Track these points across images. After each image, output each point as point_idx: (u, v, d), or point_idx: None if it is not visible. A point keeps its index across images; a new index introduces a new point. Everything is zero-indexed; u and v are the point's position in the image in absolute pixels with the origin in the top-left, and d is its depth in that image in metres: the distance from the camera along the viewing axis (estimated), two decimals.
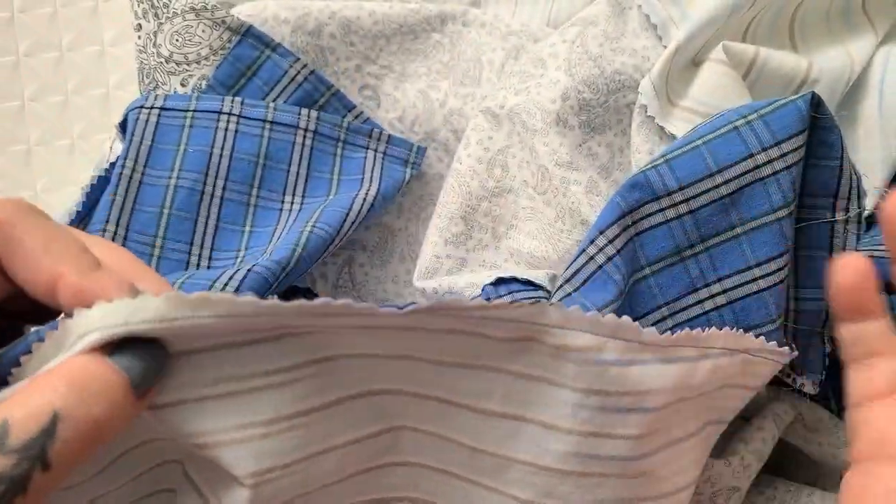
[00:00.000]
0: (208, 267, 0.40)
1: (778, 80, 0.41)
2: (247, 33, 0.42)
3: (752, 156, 0.29)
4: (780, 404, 0.34)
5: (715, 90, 0.40)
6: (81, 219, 0.39)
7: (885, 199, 0.26)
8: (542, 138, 0.40)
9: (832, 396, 0.36)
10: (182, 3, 0.41)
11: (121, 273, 0.22)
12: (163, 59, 0.42)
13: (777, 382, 0.34)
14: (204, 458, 0.22)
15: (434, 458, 0.27)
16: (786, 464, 0.38)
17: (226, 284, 0.35)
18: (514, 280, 0.36)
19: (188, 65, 0.42)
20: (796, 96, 0.30)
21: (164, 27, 0.41)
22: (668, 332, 0.25)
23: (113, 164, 0.40)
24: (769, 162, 0.29)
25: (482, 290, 0.37)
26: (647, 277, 0.32)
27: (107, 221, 0.39)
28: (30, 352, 0.20)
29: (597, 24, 0.41)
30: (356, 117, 0.44)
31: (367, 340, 0.23)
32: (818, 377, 0.33)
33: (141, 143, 0.40)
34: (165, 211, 0.40)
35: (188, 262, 0.40)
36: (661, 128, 0.40)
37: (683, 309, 0.32)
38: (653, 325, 0.32)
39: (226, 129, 0.41)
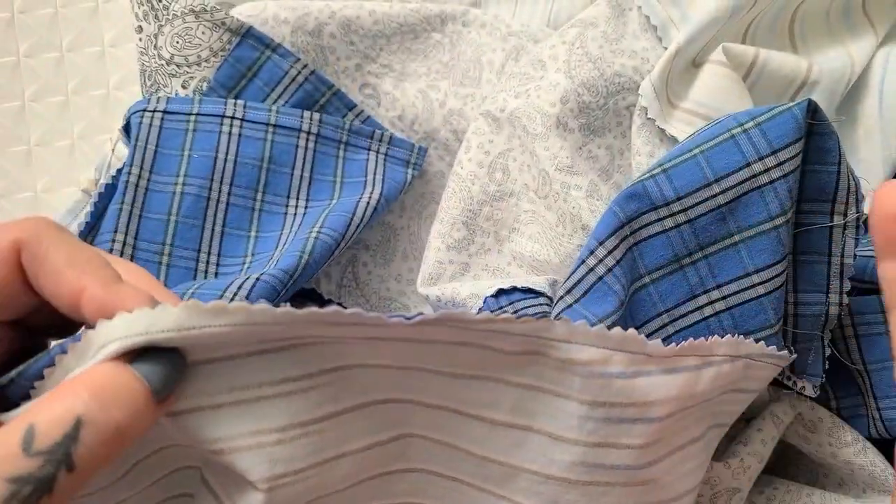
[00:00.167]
0: (216, 274, 0.40)
1: (778, 82, 0.41)
2: (247, 34, 0.42)
3: (748, 165, 0.29)
4: (779, 405, 0.34)
5: (715, 92, 0.40)
6: (90, 229, 0.40)
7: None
8: (543, 142, 0.40)
9: (832, 397, 0.36)
10: (182, 4, 0.41)
11: (140, 285, 0.23)
12: (164, 62, 0.42)
13: (776, 384, 0.35)
14: (220, 464, 0.23)
15: (443, 465, 0.27)
16: (785, 464, 0.38)
17: (235, 294, 0.35)
18: (514, 290, 0.36)
19: (189, 67, 0.42)
20: (793, 104, 0.30)
21: (165, 29, 0.41)
22: (672, 342, 0.25)
23: (119, 171, 0.40)
24: (766, 171, 0.29)
25: (483, 301, 0.37)
26: (646, 286, 0.32)
27: (115, 231, 0.39)
28: (53, 364, 0.21)
29: (597, 25, 0.41)
30: (357, 116, 0.44)
31: (378, 351, 0.24)
32: (818, 380, 0.33)
33: (145, 148, 0.40)
34: (172, 218, 0.40)
35: (196, 270, 0.40)
36: (662, 130, 0.40)
37: (683, 316, 0.32)
38: (653, 332, 0.32)
39: (229, 133, 0.41)
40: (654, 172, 0.31)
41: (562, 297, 0.31)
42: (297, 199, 0.42)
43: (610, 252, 0.31)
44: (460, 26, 0.46)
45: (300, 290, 0.42)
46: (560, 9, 0.46)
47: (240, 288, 0.35)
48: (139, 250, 0.39)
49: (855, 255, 0.32)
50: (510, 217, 0.42)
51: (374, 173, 0.42)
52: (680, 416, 0.27)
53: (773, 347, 0.29)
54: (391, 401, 0.25)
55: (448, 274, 0.41)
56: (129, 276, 0.24)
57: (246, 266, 0.40)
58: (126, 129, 0.41)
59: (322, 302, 0.45)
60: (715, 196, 0.29)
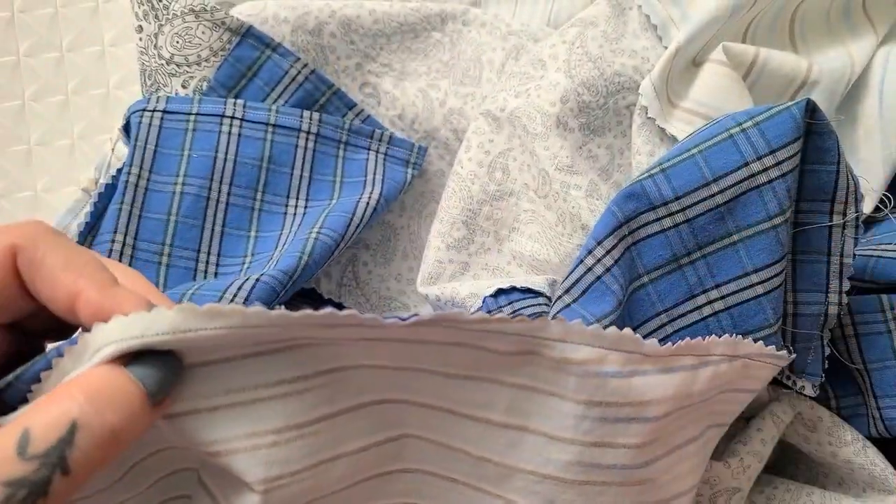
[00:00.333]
0: (216, 274, 0.40)
1: (778, 81, 0.41)
2: (246, 34, 0.42)
3: (747, 164, 0.29)
4: (778, 405, 0.34)
5: (715, 91, 0.40)
6: (90, 229, 0.40)
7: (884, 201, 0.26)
8: (543, 142, 0.40)
9: (832, 396, 0.36)
10: (182, 4, 0.41)
11: (115, 270, 0.23)
12: (164, 61, 0.42)
13: (776, 383, 0.35)
14: (216, 466, 0.23)
15: (439, 465, 0.27)
16: (785, 463, 0.38)
17: (235, 295, 0.35)
18: (513, 290, 0.36)
19: (189, 66, 0.42)
20: (791, 103, 0.30)
21: (165, 29, 0.41)
22: (668, 341, 0.25)
23: (119, 171, 0.40)
24: (764, 170, 0.29)
25: (482, 301, 0.37)
26: (645, 286, 0.32)
27: (115, 231, 0.39)
28: (50, 368, 0.21)
29: (597, 24, 0.41)
30: (357, 115, 0.44)
31: (374, 352, 0.24)
32: (818, 379, 0.33)
33: (145, 147, 0.40)
34: (172, 218, 0.40)
35: (196, 270, 0.40)
36: (662, 129, 0.40)
37: (682, 315, 0.32)
38: (652, 332, 0.32)
39: (229, 133, 0.41)
40: (652, 172, 0.31)
41: (560, 297, 0.31)
42: (297, 198, 0.42)
43: (608, 252, 0.31)
44: (460, 25, 0.46)
45: (300, 289, 0.42)
46: (560, 8, 0.46)
47: (239, 289, 0.35)
48: (139, 250, 0.39)
49: (854, 255, 0.32)
50: (510, 216, 0.42)
51: (374, 173, 0.42)
52: (676, 415, 0.27)
53: (771, 347, 0.29)
54: (387, 401, 0.25)
55: (448, 273, 0.41)
56: (125, 279, 0.24)
57: (246, 266, 0.40)
58: (126, 128, 0.41)
59: (322, 301, 0.45)
60: (713, 196, 0.29)
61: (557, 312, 0.31)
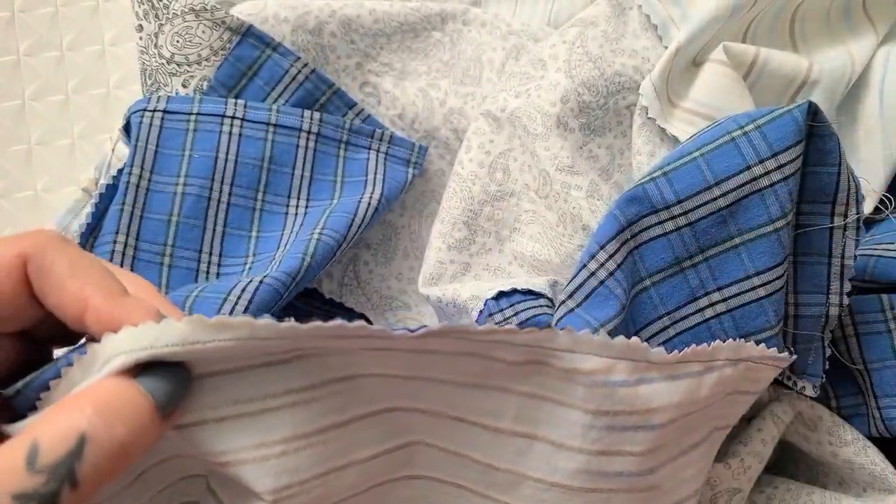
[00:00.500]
0: (217, 274, 0.40)
1: (778, 81, 0.41)
2: (247, 33, 0.42)
3: (749, 168, 0.29)
4: (779, 405, 0.35)
5: (716, 91, 0.40)
6: (91, 230, 0.40)
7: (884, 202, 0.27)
8: (543, 142, 0.40)
9: (832, 396, 0.36)
10: (182, 3, 0.41)
11: (124, 279, 0.23)
12: (164, 61, 0.42)
13: (777, 383, 0.35)
14: (226, 475, 0.23)
15: (448, 472, 0.27)
16: (786, 463, 0.38)
17: (238, 297, 0.35)
18: (515, 292, 0.36)
19: (189, 66, 0.42)
20: (793, 106, 0.30)
21: (165, 28, 0.41)
22: (673, 344, 0.26)
23: (120, 171, 0.40)
24: (766, 174, 0.29)
25: (484, 303, 0.37)
26: (647, 289, 0.32)
27: (116, 232, 0.39)
28: (59, 376, 0.21)
29: (597, 24, 0.41)
30: (357, 115, 0.44)
31: (383, 361, 0.24)
32: (818, 380, 0.33)
33: (146, 148, 0.40)
34: (174, 219, 0.40)
35: (198, 271, 0.40)
36: (663, 129, 0.40)
37: (684, 318, 0.32)
38: (654, 334, 0.32)
39: (230, 133, 0.41)
40: (654, 175, 0.31)
41: (563, 302, 0.31)
42: (298, 198, 0.42)
43: (611, 256, 0.31)
44: (460, 25, 0.46)
45: (302, 289, 0.42)
46: (560, 8, 0.46)
47: (243, 291, 0.35)
48: (140, 251, 0.39)
49: (855, 256, 0.32)
50: (511, 217, 0.42)
51: (375, 173, 0.42)
52: (682, 421, 0.27)
53: (773, 349, 0.29)
54: (396, 409, 0.25)
55: (449, 274, 0.41)
56: (133, 287, 0.24)
57: (247, 266, 0.40)
58: (126, 128, 0.41)
59: (323, 300, 0.45)
60: (715, 199, 0.29)
61: (562, 317, 0.31)
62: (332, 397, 0.24)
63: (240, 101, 0.41)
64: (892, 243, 0.35)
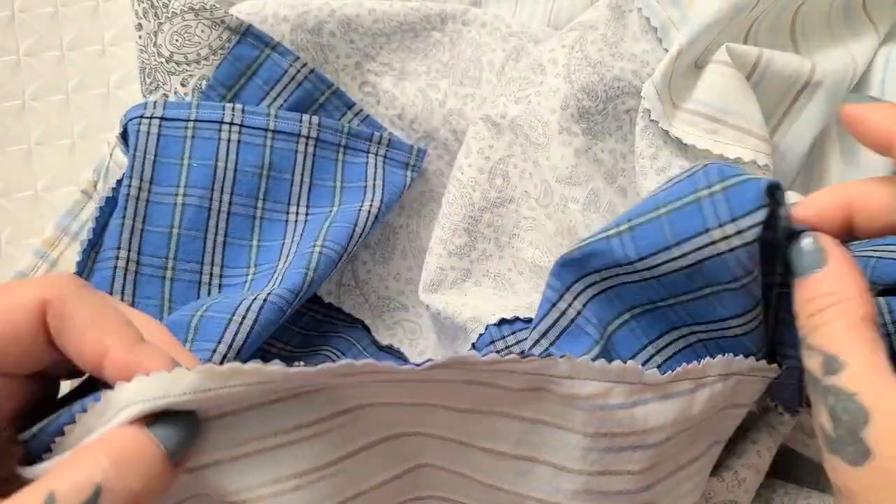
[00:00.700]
0: (220, 286, 0.40)
1: (781, 82, 0.40)
2: (246, 33, 0.42)
3: (707, 231, 0.27)
4: (775, 416, 0.34)
5: (721, 92, 0.39)
6: (93, 246, 0.40)
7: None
8: (545, 152, 0.40)
9: None
10: (181, 2, 0.41)
11: (159, 345, 0.24)
12: (163, 59, 0.42)
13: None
14: None
15: (454, 492, 0.28)
16: (784, 466, 0.38)
17: (244, 317, 0.36)
18: (517, 319, 0.37)
19: (188, 65, 0.42)
20: (761, 177, 0.28)
21: (164, 27, 0.41)
22: (663, 369, 0.26)
23: (119, 182, 0.40)
24: (725, 238, 0.27)
25: (486, 329, 0.37)
26: (627, 322, 0.32)
27: (118, 247, 0.39)
28: (73, 422, 0.22)
29: (596, 28, 0.41)
30: (356, 115, 0.44)
31: (389, 390, 0.24)
32: (795, 412, 0.33)
33: (144, 158, 0.40)
34: (175, 231, 0.40)
35: (200, 283, 0.40)
36: (665, 131, 0.39)
37: (669, 344, 0.32)
38: (642, 364, 0.32)
39: (228, 140, 0.41)
40: (620, 229, 0.30)
41: (537, 341, 0.31)
42: (298, 205, 0.42)
43: (576, 296, 0.31)
44: (460, 25, 0.46)
45: None
46: (560, 8, 0.46)
47: (248, 310, 0.36)
48: (142, 265, 0.39)
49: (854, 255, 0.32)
50: (510, 223, 0.42)
51: (374, 178, 0.42)
52: (678, 438, 0.27)
53: (762, 361, 0.29)
54: (403, 434, 0.26)
55: (449, 280, 0.41)
56: (148, 330, 0.24)
57: (249, 278, 0.40)
58: (123, 135, 0.41)
59: (322, 304, 0.45)
60: (675, 259, 0.28)
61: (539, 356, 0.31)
62: (341, 428, 0.24)
63: (237, 107, 0.41)
64: (893, 244, 0.35)
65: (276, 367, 0.21)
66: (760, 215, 0.26)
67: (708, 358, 0.27)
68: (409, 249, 0.46)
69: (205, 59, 0.42)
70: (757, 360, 0.30)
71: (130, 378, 0.21)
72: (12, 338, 0.22)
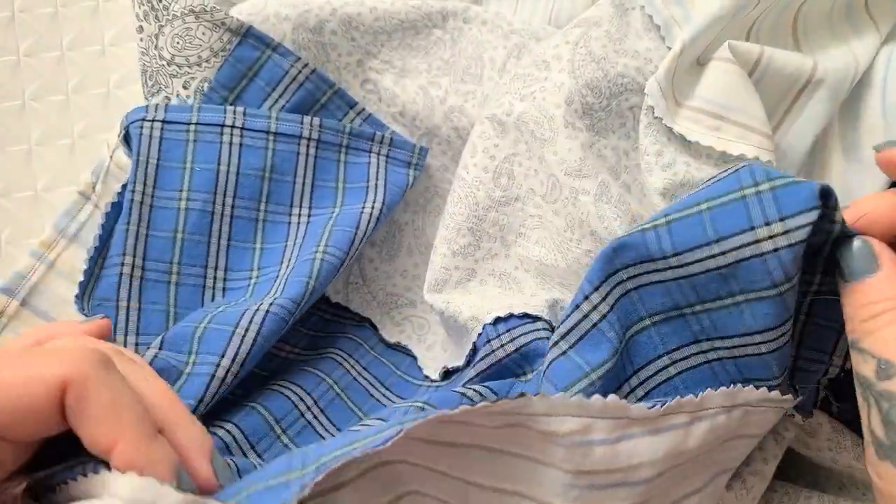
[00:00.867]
0: (223, 289, 0.40)
1: (783, 80, 0.40)
2: (247, 34, 0.41)
3: (753, 229, 0.27)
4: (782, 423, 0.34)
5: (724, 88, 0.39)
6: (100, 253, 0.40)
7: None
8: (552, 147, 0.40)
9: (831, 402, 0.36)
10: (181, 5, 0.41)
11: (166, 422, 0.25)
12: (164, 62, 0.42)
13: None
14: None
15: None
16: (785, 467, 0.38)
17: (247, 329, 0.36)
18: (511, 317, 0.37)
19: (189, 67, 0.42)
20: (813, 180, 0.28)
21: (165, 30, 0.41)
22: (674, 386, 0.25)
23: (124, 187, 0.40)
24: (771, 237, 0.27)
25: (483, 328, 0.37)
26: (647, 328, 0.31)
27: (123, 254, 0.39)
28: (66, 482, 0.23)
29: (600, 25, 0.41)
30: (358, 114, 0.44)
31: None
32: (809, 414, 0.33)
33: (147, 162, 0.40)
34: (179, 235, 0.40)
35: (204, 287, 0.40)
36: (669, 128, 0.39)
37: (685, 358, 0.31)
38: (655, 373, 0.31)
39: (230, 144, 0.41)
40: (657, 223, 0.29)
41: (556, 343, 0.31)
42: (300, 206, 0.42)
43: (604, 298, 0.30)
44: (461, 23, 0.46)
45: None
46: (561, 8, 0.46)
47: (251, 322, 0.36)
48: (148, 271, 0.39)
49: None
50: (516, 221, 0.42)
51: (377, 178, 0.42)
52: (672, 472, 0.26)
53: (775, 392, 0.28)
54: (387, 462, 0.26)
55: (454, 280, 0.41)
56: (157, 398, 0.25)
57: (253, 281, 0.40)
58: (125, 139, 0.41)
59: (329, 304, 0.45)
60: (714, 257, 0.28)
61: (554, 360, 0.30)
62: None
63: (238, 109, 0.41)
64: None
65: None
66: (812, 216, 0.26)
67: (709, 390, 0.26)
68: (415, 246, 0.46)
69: (206, 61, 0.42)
70: (777, 381, 0.29)
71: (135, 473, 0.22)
72: (30, 410, 0.22)
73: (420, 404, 0.32)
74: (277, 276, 0.39)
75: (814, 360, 0.31)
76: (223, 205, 0.40)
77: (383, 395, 0.42)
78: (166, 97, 0.42)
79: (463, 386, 0.35)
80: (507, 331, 0.36)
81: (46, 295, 0.46)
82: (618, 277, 0.30)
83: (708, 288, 0.29)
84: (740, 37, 0.42)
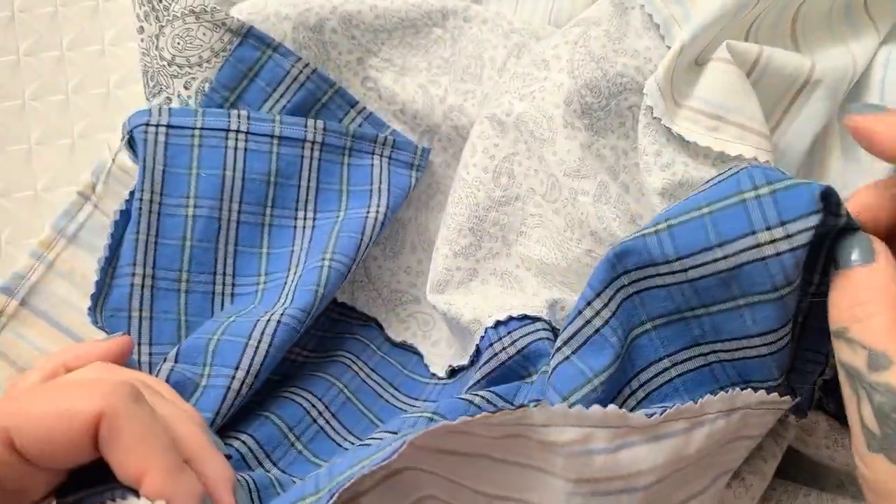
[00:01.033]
0: (232, 295, 0.41)
1: (781, 80, 0.40)
2: (247, 34, 0.41)
3: (754, 233, 0.27)
4: (779, 424, 0.34)
5: (722, 89, 0.39)
6: (110, 262, 0.40)
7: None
8: (551, 147, 0.40)
9: (828, 400, 0.36)
10: (182, 5, 0.41)
11: (192, 453, 0.27)
12: (165, 63, 0.42)
13: None
14: None
15: None
16: (785, 465, 0.39)
17: (259, 342, 0.36)
18: (511, 319, 0.37)
19: (190, 68, 0.42)
20: (812, 181, 0.27)
21: (166, 30, 0.41)
22: (675, 388, 0.26)
23: (132, 194, 0.40)
24: (772, 242, 0.27)
25: (484, 332, 0.38)
26: (648, 331, 0.31)
27: (133, 263, 0.39)
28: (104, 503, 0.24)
29: (599, 24, 0.41)
30: (360, 113, 0.44)
31: None
32: (803, 415, 0.33)
33: (154, 168, 0.40)
34: (187, 243, 0.40)
35: (213, 293, 0.41)
36: (668, 128, 0.40)
37: (685, 360, 0.31)
38: (655, 375, 0.31)
39: (235, 149, 0.41)
40: (658, 227, 0.29)
41: (559, 349, 0.31)
42: (305, 210, 0.42)
43: (606, 304, 0.30)
44: (461, 22, 0.46)
45: None
46: (561, 8, 0.46)
47: (262, 333, 0.37)
48: (158, 279, 0.40)
49: None
50: (517, 220, 0.42)
51: (380, 181, 0.43)
52: (673, 477, 0.27)
53: (774, 394, 0.28)
54: (404, 469, 0.26)
55: (456, 280, 0.42)
56: (184, 432, 0.27)
57: (261, 287, 0.41)
58: (130, 143, 0.41)
59: (335, 304, 0.46)
60: (717, 261, 0.28)
61: (557, 365, 0.30)
62: None
63: (243, 113, 0.41)
64: None
65: None
66: (813, 220, 0.26)
67: (708, 395, 0.26)
68: (419, 242, 0.47)
69: (207, 61, 0.42)
70: (777, 383, 0.29)
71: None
72: (66, 440, 0.24)
73: (429, 415, 0.32)
74: (286, 283, 0.40)
75: (810, 361, 0.31)
76: (230, 210, 0.41)
77: (392, 395, 0.42)
78: (167, 98, 0.42)
79: (470, 392, 0.35)
80: (508, 333, 0.37)
81: (46, 295, 0.47)
82: (620, 282, 0.30)
83: (709, 291, 0.29)
84: (739, 36, 0.42)
